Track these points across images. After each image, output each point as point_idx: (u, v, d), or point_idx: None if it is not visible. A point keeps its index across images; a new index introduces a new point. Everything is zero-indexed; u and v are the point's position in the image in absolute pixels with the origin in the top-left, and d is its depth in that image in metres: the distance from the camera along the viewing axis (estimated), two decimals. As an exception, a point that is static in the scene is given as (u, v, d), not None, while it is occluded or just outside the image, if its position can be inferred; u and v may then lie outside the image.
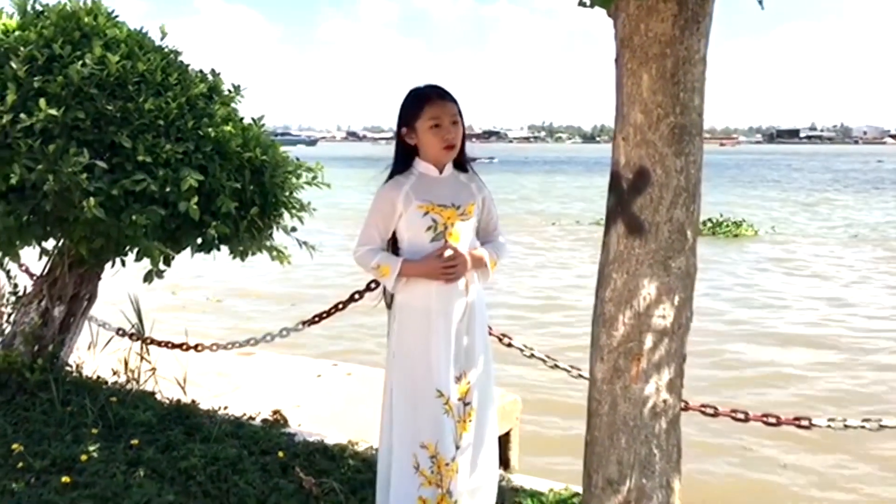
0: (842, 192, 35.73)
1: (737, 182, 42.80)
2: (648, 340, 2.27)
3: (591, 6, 2.10)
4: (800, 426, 2.99)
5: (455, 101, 2.81)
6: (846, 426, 2.96)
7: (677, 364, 2.32)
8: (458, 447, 2.80)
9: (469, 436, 2.84)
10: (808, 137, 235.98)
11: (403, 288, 2.80)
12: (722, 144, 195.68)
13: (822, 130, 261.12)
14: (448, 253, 2.75)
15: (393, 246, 2.89)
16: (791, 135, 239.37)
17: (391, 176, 2.86)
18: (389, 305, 2.92)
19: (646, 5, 2.13)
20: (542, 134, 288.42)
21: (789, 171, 60.49)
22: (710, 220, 19.34)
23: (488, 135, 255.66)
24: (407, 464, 2.79)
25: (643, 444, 2.30)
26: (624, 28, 2.21)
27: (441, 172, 2.83)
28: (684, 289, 2.28)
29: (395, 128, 2.88)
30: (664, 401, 2.31)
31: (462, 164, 2.91)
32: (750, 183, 42.90)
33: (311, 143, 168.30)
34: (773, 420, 3.02)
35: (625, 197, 2.26)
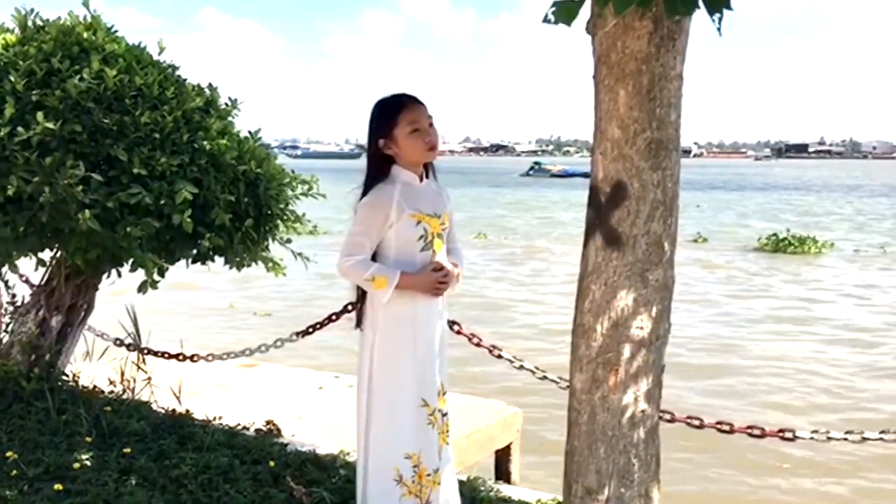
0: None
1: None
2: (626, 351, 2.29)
3: (556, 22, 2.13)
4: (784, 438, 3.00)
5: (426, 106, 2.77)
6: (829, 438, 2.98)
7: (655, 374, 2.35)
8: (440, 458, 2.79)
9: (449, 449, 2.83)
10: (818, 152, 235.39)
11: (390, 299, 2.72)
12: (757, 159, 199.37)
13: (831, 145, 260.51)
14: (448, 266, 2.76)
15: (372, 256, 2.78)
16: (800, 149, 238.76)
17: (367, 188, 2.76)
18: (359, 324, 2.87)
19: (622, 23, 2.16)
20: (550, 148, 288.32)
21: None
22: (775, 234, 19.73)
23: (496, 148, 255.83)
24: (387, 476, 2.76)
25: (622, 453, 2.33)
26: (601, 45, 2.25)
27: (420, 181, 2.80)
28: (661, 300, 2.31)
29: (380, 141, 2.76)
30: (642, 411, 2.33)
31: (431, 172, 2.88)
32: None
33: (355, 156, 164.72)
34: (757, 432, 3.04)
35: (603, 210, 2.29)
